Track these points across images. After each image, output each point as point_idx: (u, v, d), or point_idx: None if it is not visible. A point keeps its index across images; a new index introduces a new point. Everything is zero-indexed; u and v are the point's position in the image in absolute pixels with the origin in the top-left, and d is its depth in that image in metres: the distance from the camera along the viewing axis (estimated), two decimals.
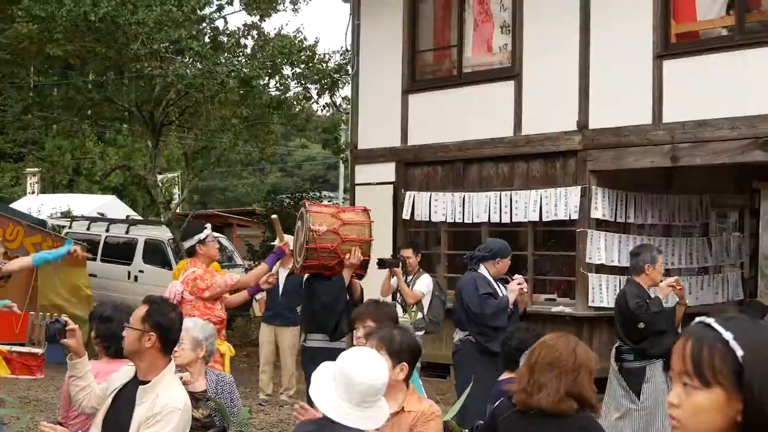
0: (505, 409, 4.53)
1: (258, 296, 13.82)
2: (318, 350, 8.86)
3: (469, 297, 9.00)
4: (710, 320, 2.29)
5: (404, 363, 4.74)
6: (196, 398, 5.95)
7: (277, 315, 13.22)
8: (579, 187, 13.66)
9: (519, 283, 9.12)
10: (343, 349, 9.00)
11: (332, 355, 8.96)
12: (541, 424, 4.24)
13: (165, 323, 4.99)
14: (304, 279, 9.62)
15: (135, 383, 5.02)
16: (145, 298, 5.24)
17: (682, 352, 2.28)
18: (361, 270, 9.30)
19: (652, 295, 8.66)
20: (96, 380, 5.44)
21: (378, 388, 3.88)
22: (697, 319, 2.35)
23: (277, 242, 9.39)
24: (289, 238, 9.84)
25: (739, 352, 2.20)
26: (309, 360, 9.08)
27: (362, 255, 9.05)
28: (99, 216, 24.83)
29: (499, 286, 9.20)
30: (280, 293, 13.21)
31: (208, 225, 9.42)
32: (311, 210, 9.13)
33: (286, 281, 13.28)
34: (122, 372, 5.19)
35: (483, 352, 8.91)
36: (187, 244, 8.91)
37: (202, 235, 8.99)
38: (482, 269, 9.18)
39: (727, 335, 2.23)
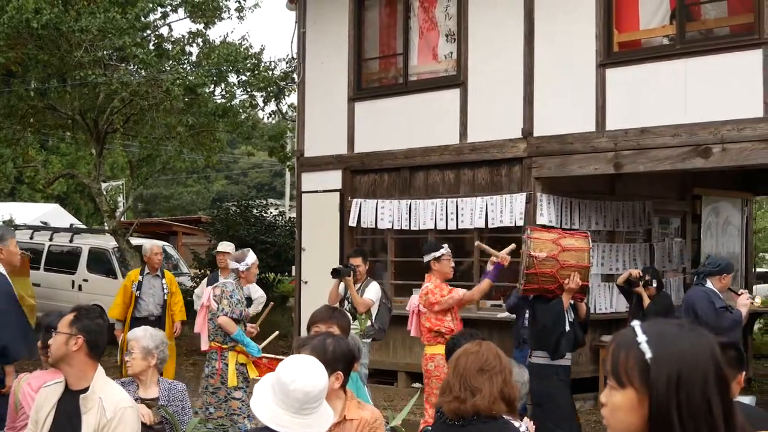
0: (436, 420, 4.62)
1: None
2: (542, 366, 9.30)
3: (705, 311, 9.15)
4: (635, 323, 2.38)
5: (339, 372, 4.72)
6: (148, 405, 5.96)
7: None
8: (524, 194, 13.78)
9: (747, 298, 9.43)
10: (565, 366, 9.36)
11: (554, 371, 9.26)
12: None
13: (92, 327, 5.02)
14: (529, 300, 9.90)
15: (69, 395, 5.01)
16: (73, 307, 5.27)
17: (607, 354, 2.38)
18: (580, 294, 9.56)
19: None
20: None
21: (315, 395, 3.84)
22: (633, 323, 2.42)
23: (494, 258, 9.69)
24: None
25: (648, 354, 2.28)
26: (535, 375, 9.50)
27: (581, 280, 9.29)
28: (42, 225, 24.57)
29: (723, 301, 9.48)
30: None
31: (446, 245, 9.88)
32: (533, 237, 9.45)
33: None
34: (45, 395, 5.14)
35: None
36: (425, 259, 9.34)
37: (437, 253, 9.49)
38: (709, 284, 9.29)
39: (641, 338, 2.31)
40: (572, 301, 9.54)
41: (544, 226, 13.73)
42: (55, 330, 5.08)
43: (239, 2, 19.73)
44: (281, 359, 10.26)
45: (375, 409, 5.06)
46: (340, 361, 4.73)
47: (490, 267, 9.77)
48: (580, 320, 9.68)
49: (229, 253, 13.52)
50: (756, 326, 19.06)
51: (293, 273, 19.10)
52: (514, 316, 12.63)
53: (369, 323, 10.83)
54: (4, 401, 6.50)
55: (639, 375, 2.27)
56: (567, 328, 9.41)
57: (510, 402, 4.36)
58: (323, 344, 4.74)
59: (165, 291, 13.48)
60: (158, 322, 12.89)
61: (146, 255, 13.69)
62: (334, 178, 16.25)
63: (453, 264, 9.88)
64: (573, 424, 9.53)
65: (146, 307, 13.32)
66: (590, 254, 9.51)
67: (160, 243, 13.64)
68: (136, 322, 12.37)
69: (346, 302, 10.85)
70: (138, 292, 13.30)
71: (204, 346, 10.02)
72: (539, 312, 9.50)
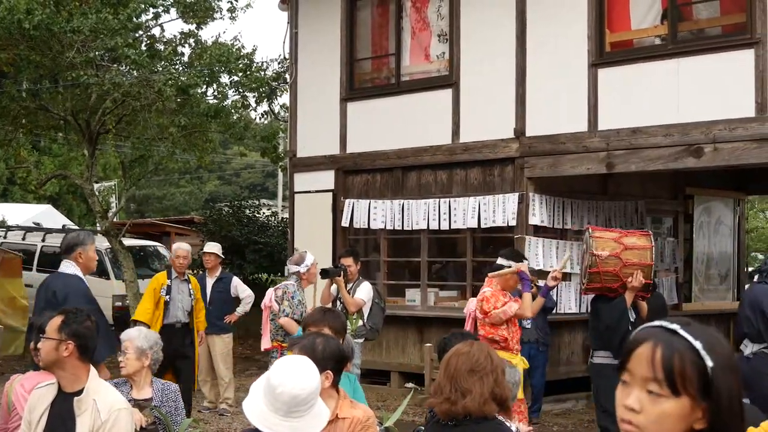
0: (429, 420, 4.63)
1: None
2: (605, 366, 9.25)
3: None
4: (675, 327, 2.28)
5: (329, 371, 4.72)
6: (141, 406, 5.97)
7: (207, 324, 13.11)
8: (516, 194, 13.79)
9: None
10: None
11: (618, 370, 9.23)
12: None
13: (81, 331, 5.02)
14: (590, 299, 9.83)
15: (63, 397, 5.01)
16: (60, 309, 5.27)
17: (651, 358, 2.24)
18: (643, 292, 9.50)
19: None
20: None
21: (303, 398, 3.81)
22: (657, 323, 2.32)
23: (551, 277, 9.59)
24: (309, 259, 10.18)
25: (709, 363, 2.20)
26: (597, 375, 9.54)
27: (644, 278, 9.25)
28: (35, 226, 24.53)
29: None
30: (208, 302, 13.14)
31: (527, 261, 9.87)
32: (595, 235, 9.41)
33: (212, 290, 13.24)
34: (38, 396, 5.14)
35: None
36: (503, 262, 9.38)
37: (513, 266, 9.33)
38: None
39: (697, 344, 2.22)
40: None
41: (535, 226, 13.79)
42: (44, 335, 5.07)
43: (231, 3, 19.69)
44: None
45: (368, 408, 5.07)
46: (329, 361, 4.73)
47: (551, 282, 9.61)
48: (640, 320, 9.56)
49: (215, 253, 13.47)
50: None
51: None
52: None
53: (360, 323, 10.84)
54: None
55: (698, 384, 2.20)
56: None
57: (501, 402, 4.36)
58: (312, 344, 4.74)
59: (192, 297, 12.35)
60: (185, 329, 12.14)
61: (171, 257, 12.65)
62: (326, 179, 16.25)
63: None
64: None
65: (175, 313, 12.12)
66: (653, 252, 9.46)
67: (186, 246, 12.88)
68: (164, 329, 11.61)
69: (338, 302, 10.85)
70: (168, 297, 12.10)
71: (265, 344, 10.20)
72: (603, 311, 9.41)
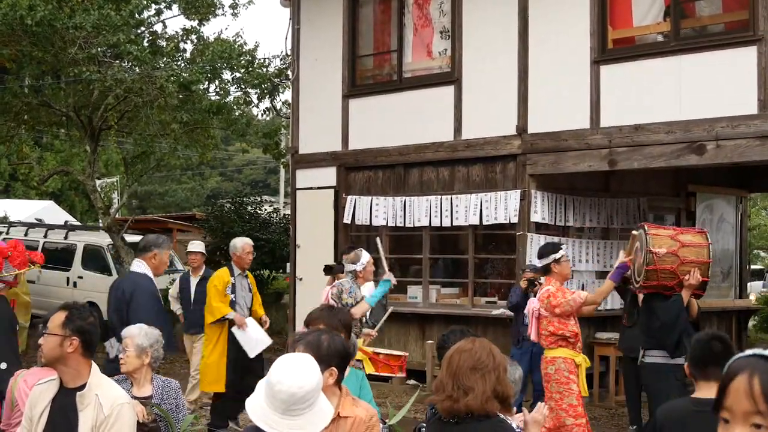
0: (430, 417, 4.62)
1: (178, 311, 13.61)
2: (659, 366, 9.15)
3: None
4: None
5: (332, 368, 4.66)
6: (141, 403, 5.95)
7: (192, 324, 12.97)
8: (518, 191, 13.79)
9: None
10: (680, 365, 9.23)
11: (672, 370, 8.91)
12: (459, 430, 4.31)
13: (86, 327, 5.02)
14: (643, 297, 9.76)
15: (65, 393, 5.00)
16: (61, 305, 5.23)
17: (750, 391, 2.13)
18: (699, 290, 9.44)
19: None
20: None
21: (301, 397, 3.78)
22: (750, 352, 2.22)
23: (622, 257, 9.53)
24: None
25: None
26: (649, 375, 9.40)
27: (701, 276, 9.17)
28: (37, 222, 24.54)
29: None
30: (192, 302, 13.06)
31: (564, 245, 9.99)
32: (651, 232, 9.24)
33: (196, 289, 13.14)
34: (39, 392, 5.14)
35: None
36: (541, 263, 9.56)
37: (557, 255, 9.42)
38: None
39: None
40: None
41: (537, 224, 13.78)
42: (47, 331, 5.05)
43: None
44: (400, 355, 10.43)
45: (369, 407, 5.04)
46: (334, 357, 4.68)
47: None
48: (691, 319, 9.48)
49: (200, 252, 13.40)
50: (750, 323, 19.09)
51: (288, 270, 19.08)
52: (509, 312, 12.65)
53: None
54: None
55: None
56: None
57: (503, 400, 4.35)
58: (317, 340, 4.70)
59: (251, 293, 11.91)
60: None
61: (236, 253, 11.81)
62: (328, 175, 16.24)
63: (571, 265, 9.85)
64: None
65: (241, 311, 11.62)
66: (710, 250, 9.34)
67: (249, 240, 12.42)
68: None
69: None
70: (233, 295, 11.62)
71: None
72: (659, 309, 9.24)
